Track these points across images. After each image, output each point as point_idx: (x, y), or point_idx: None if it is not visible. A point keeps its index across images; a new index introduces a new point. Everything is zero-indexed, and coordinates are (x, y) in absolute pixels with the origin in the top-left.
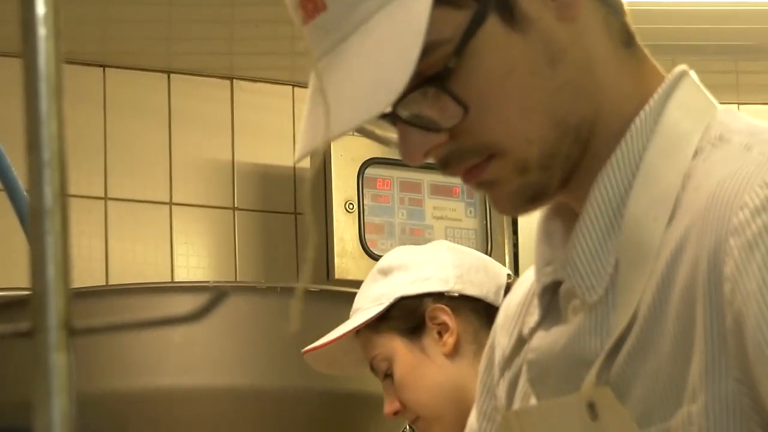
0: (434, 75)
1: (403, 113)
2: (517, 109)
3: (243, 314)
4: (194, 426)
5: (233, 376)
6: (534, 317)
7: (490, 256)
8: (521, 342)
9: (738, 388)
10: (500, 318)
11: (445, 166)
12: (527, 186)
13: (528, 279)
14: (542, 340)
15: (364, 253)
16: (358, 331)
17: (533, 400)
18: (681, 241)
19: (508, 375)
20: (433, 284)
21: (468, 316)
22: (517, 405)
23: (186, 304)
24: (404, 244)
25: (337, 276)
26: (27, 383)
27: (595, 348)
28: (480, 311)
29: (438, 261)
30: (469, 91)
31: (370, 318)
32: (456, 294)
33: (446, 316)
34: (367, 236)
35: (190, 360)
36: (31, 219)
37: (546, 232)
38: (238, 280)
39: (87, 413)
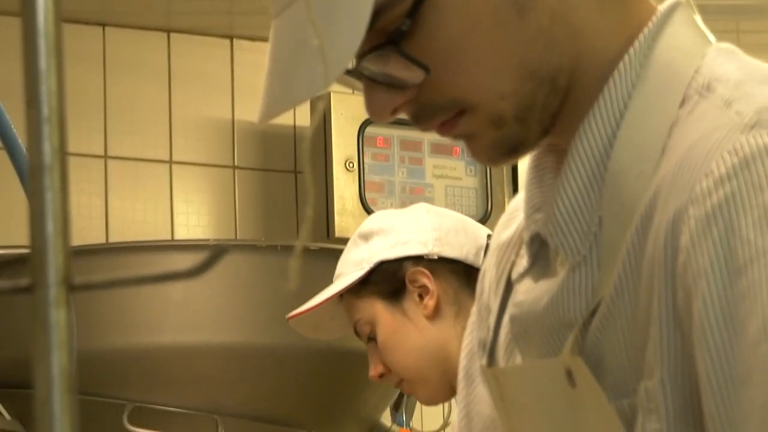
0: (390, 36)
1: (366, 71)
2: (485, 65)
3: (242, 272)
4: (193, 383)
5: (232, 334)
6: (523, 262)
7: (490, 215)
8: (509, 287)
9: (692, 365)
10: (492, 245)
11: (416, 121)
12: (503, 139)
13: (519, 208)
14: (526, 295)
15: (364, 212)
16: (342, 295)
17: (518, 357)
18: (651, 204)
19: (492, 320)
20: (411, 248)
21: (448, 278)
22: (501, 357)
23: (186, 261)
24: (404, 202)
25: (337, 234)
26: (27, 340)
27: (578, 310)
28: (460, 273)
29: (417, 224)
30: (430, 51)
31: (351, 283)
32: (435, 257)
33: (426, 279)
34: (367, 195)
35: (189, 318)
36: (30, 175)
37: (537, 169)
38: (237, 238)
39: (87, 370)
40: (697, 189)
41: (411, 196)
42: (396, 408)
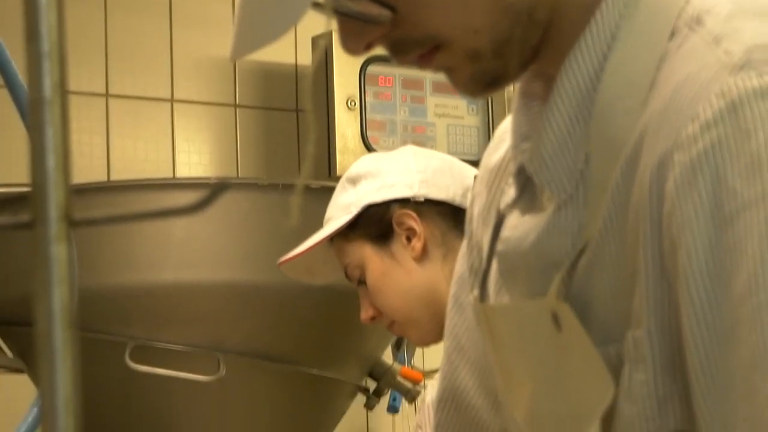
0: None
1: (340, 7)
2: (455, 1)
3: (244, 210)
4: (195, 321)
5: (234, 272)
6: (511, 191)
7: None
8: (501, 218)
9: (679, 317)
10: (481, 170)
11: (392, 55)
12: (482, 72)
13: (508, 131)
14: (513, 231)
15: (366, 150)
16: (332, 239)
17: (506, 294)
18: (637, 146)
19: (485, 252)
20: (398, 190)
21: (435, 220)
22: (492, 291)
23: (187, 199)
24: (406, 141)
25: (338, 173)
26: (28, 277)
27: (564, 249)
28: (447, 214)
29: (402, 167)
30: None
31: (340, 227)
32: (421, 199)
33: (413, 221)
34: (369, 133)
35: (191, 255)
36: (30, 110)
37: (524, 96)
38: (239, 176)
39: (89, 308)
40: (683, 134)
41: (413, 134)
42: (397, 347)
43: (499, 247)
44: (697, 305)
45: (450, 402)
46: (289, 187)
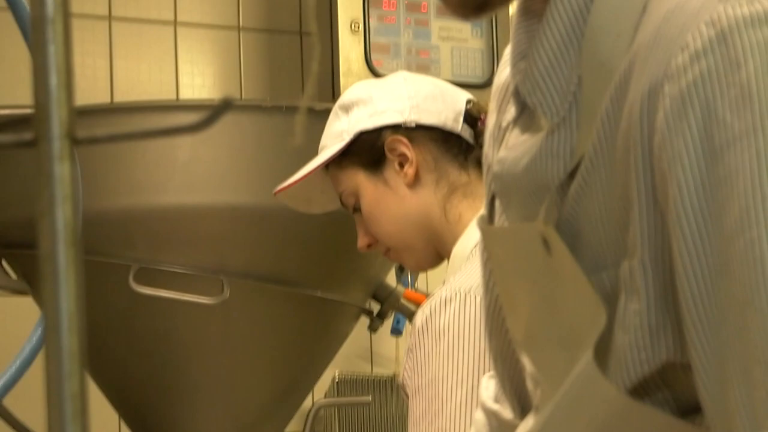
0: None
1: None
2: None
3: (247, 133)
4: (199, 243)
5: (238, 195)
6: (512, 110)
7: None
8: (504, 137)
9: (671, 247)
10: (492, 89)
11: None
12: None
13: None
14: (509, 151)
15: (370, 73)
16: (328, 168)
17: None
18: (626, 74)
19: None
20: (389, 117)
21: (427, 146)
22: (497, 214)
23: (191, 121)
24: (410, 64)
25: None
26: (32, 199)
27: (556, 172)
28: (439, 140)
29: (394, 93)
30: None
31: (333, 155)
32: (413, 124)
33: (404, 147)
34: (373, 56)
35: (194, 178)
36: (32, 28)
37: (524, 14)
38: (243, 99)
39: (93, 231)
40: (672, 64)
41: (417, 58)
42: (401, 269)
43: (495, 167)
44: (689, 240)
45: (497, 313)
46: (292, 110)
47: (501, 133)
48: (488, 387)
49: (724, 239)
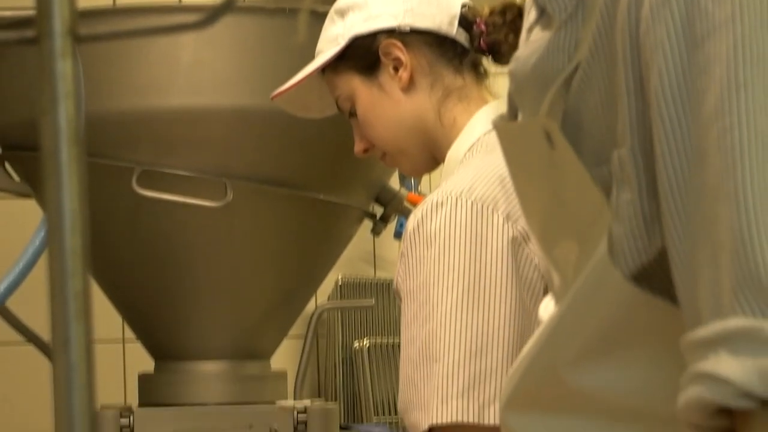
0: None
1: None
2: None
3: (251, 35)
4: (202, 146)
5: (241, 97)
6: (533, 12)
7: None
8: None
9: None
10: None
11: None
12: None
13: None
14: (524, 49)
15: None
16: (324, 73)
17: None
18: None
19: None
20: (383, 20)
21: (421, 50)
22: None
23: (193, 20)
24: None
25: None
26: (35, 100)
27: (561, 65)
28: (433, 44)
29: None
30: None
31: (328, 59)
32: (407, 28)
33: (399, 51)
34: None
35: (197, 80)
36: None
37: None
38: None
39: (95, 133)
40: None
41: None
42: None
43: (510, 66)
44: (668, 126)
45: None
46: (296, 12)
47: (527, 36)
48: (547, 307)
49: (700, 127)
